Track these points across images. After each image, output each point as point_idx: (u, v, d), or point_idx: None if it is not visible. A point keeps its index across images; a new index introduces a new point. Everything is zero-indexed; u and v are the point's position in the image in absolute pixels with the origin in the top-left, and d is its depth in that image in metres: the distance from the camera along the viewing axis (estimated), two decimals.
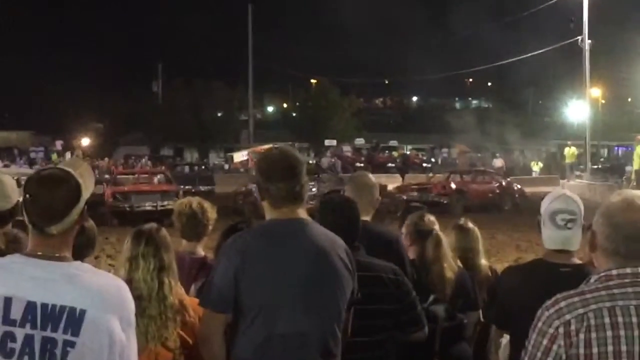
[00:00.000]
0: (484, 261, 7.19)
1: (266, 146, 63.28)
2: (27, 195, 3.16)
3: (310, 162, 61.95)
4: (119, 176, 36.37)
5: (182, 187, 31.90)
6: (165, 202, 28.22)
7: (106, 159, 70.07)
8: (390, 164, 63.03)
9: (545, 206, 4.87)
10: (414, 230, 6.39)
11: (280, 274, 4.03)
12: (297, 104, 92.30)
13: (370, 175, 6.36)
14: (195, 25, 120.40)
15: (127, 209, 28.51)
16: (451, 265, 6.14)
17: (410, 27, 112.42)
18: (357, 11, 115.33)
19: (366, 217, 5.69)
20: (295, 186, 4.18)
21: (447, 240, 6.38)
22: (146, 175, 36.38)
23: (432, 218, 6.55)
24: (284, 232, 4.15)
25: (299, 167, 4.25)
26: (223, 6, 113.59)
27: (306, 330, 4.03)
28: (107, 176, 39.92)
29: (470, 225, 7.19)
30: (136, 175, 36.82)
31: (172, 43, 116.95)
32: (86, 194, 3.24)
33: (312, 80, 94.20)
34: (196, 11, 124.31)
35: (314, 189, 29.82)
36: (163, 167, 44.47)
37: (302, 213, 4.23)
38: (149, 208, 28.52)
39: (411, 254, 6.18)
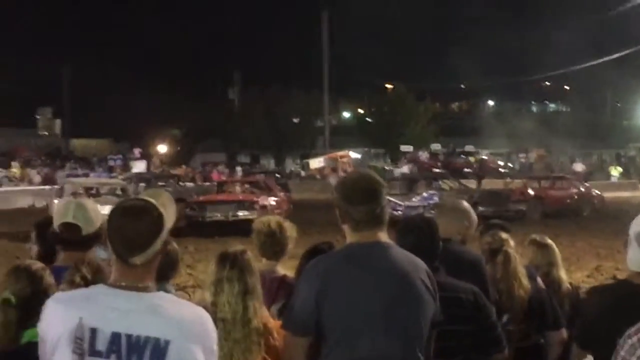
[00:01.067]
0: (563, 275, 7.13)
1: (342, 152, 63.64)
2: (111, 226, 3.21)
3: (387, 168, 61.88)
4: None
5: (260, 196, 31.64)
6: (240, 213, 28.37)
7: (183, 166, 70.73)
8: (467, 169, 62.61)
9: (634, 227, 4.76)
10: (487, 249, 6.35)
11: (362, 298, 4.02)
12: (373, 109, 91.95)
13: (462, 202, 6.35)
14: (271, 32, 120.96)
15: (200, 219, 28.64)
16: (522, 284, 6.07)
17: (486, 31, 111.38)
18: (432, 16, 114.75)
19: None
20: (376, 209, 4.17)
21: (521, 258, 6.33)
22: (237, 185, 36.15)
23: (504, 235, 6.48)
24: (366, 255, 4.13)
25: (379, 189, 4.24)
26: (299, 13, 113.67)
27: (389, 354, 4.02)
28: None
29: (548, 240, 7.14)
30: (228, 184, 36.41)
31: (248, 50, 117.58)
32: (168, 224, 3.28)
33: (388, 86, 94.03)
34: (272, 18, 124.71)
35: (435, 198, 29.88)
36: (263, 176, 44.46)
37: (382, 236, 4.21)
38: (221, 218, 28.61)
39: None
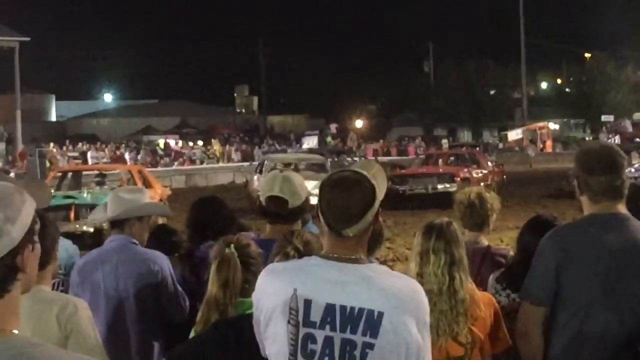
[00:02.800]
0: None
1: (540, 124, 62.53)
2: (323, 199, 3.22)
3: (587, 138, 60.35)
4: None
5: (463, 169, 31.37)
6: (440, 186, 28.15)
7: (380, 140, 71.11)
8: None
9: None
10: None
11: (602, 270, 4.03)
12: (571, 79, 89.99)
13: None
14: (464, 3, 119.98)
15: (401, 192, 28.64)
16: None
17: None
18: None
19: None
20: (616, 180, 4.15)
21: None
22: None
23: None
24: (605, 226, 4.13)
25: (620, 161, 4.23)
26: None
27: (624, 327, 4.00)
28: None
29: None
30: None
31: (442, 23, 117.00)
32: (380, 195, 3.27)
33: (586, 55, 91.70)
34: None
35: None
36: (476, 149, 44.21)
37: (622, 208, 4.19)
38: (422, 191, 28.55)
39: None
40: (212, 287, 4.05)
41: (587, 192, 4.19)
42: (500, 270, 5.35)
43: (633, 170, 30.10)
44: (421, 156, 39.31)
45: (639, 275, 4.01)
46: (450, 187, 26.64)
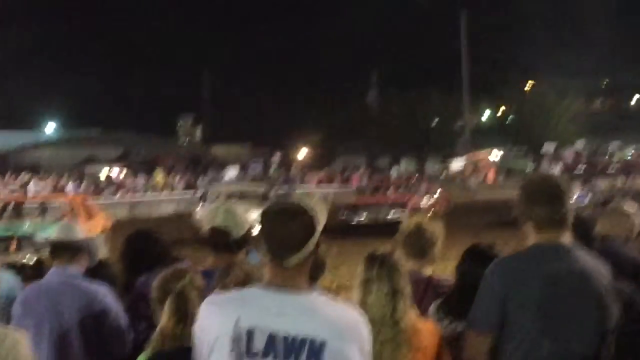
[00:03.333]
0: None
1: (483, 152, 62.94)
2: (264, 229, 3.24)
3: (527, 170, 60.93)
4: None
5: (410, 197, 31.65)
6: (392, 214, 28.46)
7: (325, 169, 71.13)
8: (612, 168, 61.26)
9: None
10: None
11: (546, 298, 4.07)
12: (513, 108, 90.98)
13: (629, 203, 6.25)
14: (407, 33, 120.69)
15: (353, 222, 28.69)
16: None
17: (627, 24, 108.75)
18: (570, 12, 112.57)
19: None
20: (560, 210, 4.23)
21: None
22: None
23: None
24: (549, 256, 4.18)
25: (564, 191, 4.30)
26: (435, 13, 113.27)
27: (571, 354, 4.07)
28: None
29: None
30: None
31: (385, 53, 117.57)
32: (320, 225, 3.29)
33: (528, 84, 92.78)
34: (408, 20, 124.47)
35: (587, 198, 29.34)
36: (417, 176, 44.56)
37: (566, 238, 4.25)
38: (373, 221, 28.60)
39: None
40: (168, 319, 4.04)
41: (531, 223, 4.25)
42: (441, 299, 5.38)
43: (572, 200, 30.33)
44: (369, 185, 39.43)
45: (582, 305, 4.07)
46: (402, 216, 26.70)
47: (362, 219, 28.76)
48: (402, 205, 29.22)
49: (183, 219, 33.96)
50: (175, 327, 4.00)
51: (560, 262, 4.12)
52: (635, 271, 5.51)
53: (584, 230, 5.00)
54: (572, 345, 4.05)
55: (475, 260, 5.01)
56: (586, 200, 29.02)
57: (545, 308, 4.04)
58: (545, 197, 4.21)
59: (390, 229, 22.67)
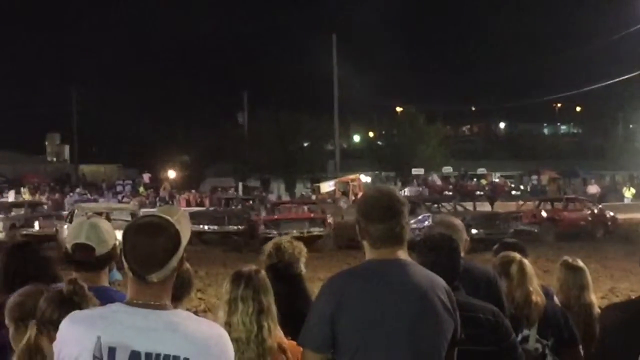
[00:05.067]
0: (594, 299, 7.14)
1: (352, 176, 63.68)
2: (127, 244, 3.16)
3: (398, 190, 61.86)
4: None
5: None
6: (312, 229, 30.81)
7: (193, 191, 70.91)
8: (479, 192, 62.74)
9: None
10: (499, 264, 6.19)
11: (378, 315, 3.99)
12: (383, 132, 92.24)
13: (456, 219, 6.32)
14: (279, 56, 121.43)
15: (274, 235, 28.89)
16: (538, 292, 5.91)
17: (497, 53, 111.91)
18: (441, 39, 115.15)
19: None
20: (395, 227, 4.14)
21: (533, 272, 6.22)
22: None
23: (517, 256, 6.33)
24: (383, 272, 4.10)
25: (399, 207, 4.20)
26: (307, 37, 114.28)
27: None
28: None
29: (580, 263, 7.21)
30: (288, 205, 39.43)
31: (256, 75, 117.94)
32: (184, 240, 3.23)
33: (398, 109, 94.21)
34: (280, 42, 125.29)
35: (428, 220, 29.93)
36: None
37: (402, 254, 4.17)
38: (294, 234, 28.89)
39: None
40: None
41: (367, 239, 4.19)
42: None
43: (415, 222, 30.68)
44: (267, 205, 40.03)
45: (415, 320, 4.01)
46: (322, 231, 30.01)
47: (285, 232, 29.25)
48: (323, 221, 31.91)
49: (49, 238, 33.24)
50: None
51: (393, 277, 4.06)
52: (487, 284, 5.60)
53: (450, 249, 5.02)
54: None
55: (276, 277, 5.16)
56: (426, 223, 29.61)
57: (374, 325, 3.97)
58: (380, 213, 4.15)
59: (311, 242, 23.37)
